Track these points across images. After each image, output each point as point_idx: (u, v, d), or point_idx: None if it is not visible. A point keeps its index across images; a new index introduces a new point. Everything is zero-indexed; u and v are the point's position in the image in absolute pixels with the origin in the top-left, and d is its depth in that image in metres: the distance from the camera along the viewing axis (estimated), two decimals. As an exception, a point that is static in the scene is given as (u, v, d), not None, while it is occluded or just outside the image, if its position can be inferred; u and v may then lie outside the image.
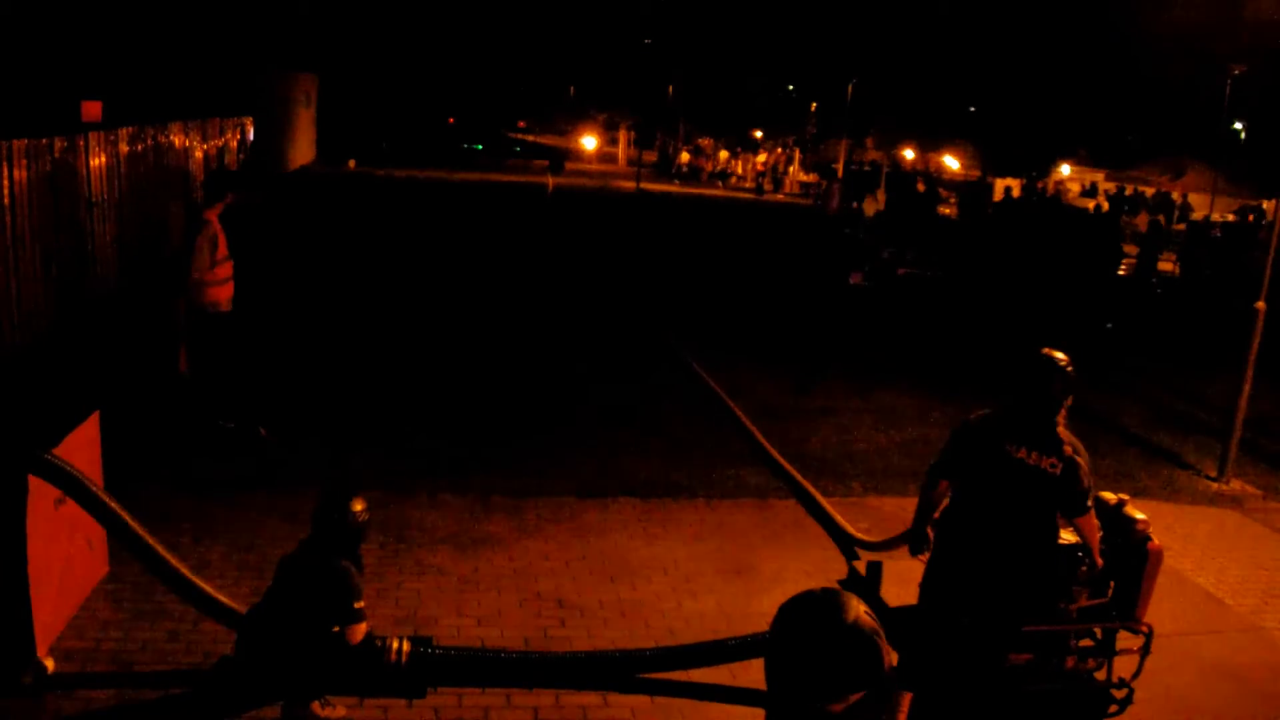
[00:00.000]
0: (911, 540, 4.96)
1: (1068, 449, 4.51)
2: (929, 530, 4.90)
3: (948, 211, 32.89)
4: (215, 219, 8.03)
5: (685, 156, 45.94)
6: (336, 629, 4.45)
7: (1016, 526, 4.57)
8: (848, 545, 7.15)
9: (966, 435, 4.68)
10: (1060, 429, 4.55)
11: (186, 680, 5.01)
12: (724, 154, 47.32)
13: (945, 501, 4.82)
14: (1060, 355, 4.54)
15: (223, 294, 8.11)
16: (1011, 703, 4.71)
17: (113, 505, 4.89)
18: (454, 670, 5.00)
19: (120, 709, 4.77)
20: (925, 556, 4.90)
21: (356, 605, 4.49)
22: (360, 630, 4.52)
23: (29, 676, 4.78)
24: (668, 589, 6.39)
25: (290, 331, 11.82)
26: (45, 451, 4.78)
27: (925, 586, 4.85)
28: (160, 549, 4.97)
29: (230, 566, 6.14)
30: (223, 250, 8.06)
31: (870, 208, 31.71)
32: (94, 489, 4.88)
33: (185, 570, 5.04)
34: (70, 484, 4.80)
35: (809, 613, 2.10)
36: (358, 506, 4.55)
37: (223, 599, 5.04)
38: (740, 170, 45.93)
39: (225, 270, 8.11)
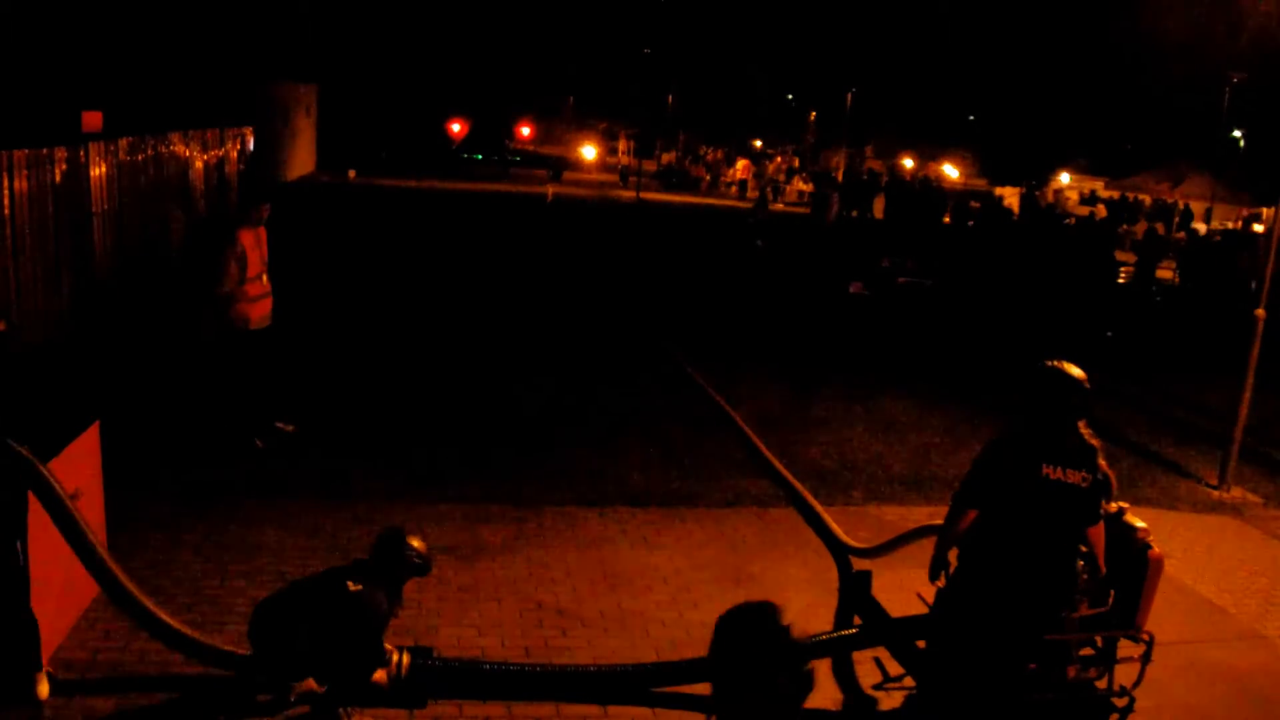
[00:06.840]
0: (933, 565, 4.99)
1: (1102, 461, 4.67)
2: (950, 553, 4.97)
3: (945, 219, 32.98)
4: (246, 235, 7.98)
5: (743, 163, 45.66)
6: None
7: (1052, 542, 4.67)
8: (840, 551, 7.16)
9: (997, 461, 4.68)
10: (1089, 439, 4.66)
11: (182, 689, 5.00)
12: (702, 168, 47.26)
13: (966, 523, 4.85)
14: (1075, 369, 4.60)
15: (254, 311, 8.06)
16: (1017, 712, 4.73)
17: (87, 533, 4.78)
18: (454, 681, 4.99)
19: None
20: (941, 582, 4.98)
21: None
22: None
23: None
24: (668, 599, 6.39)
25: (289, 340, 11.78)
26: (42, 462, 4.75)
27: (947, 602, 4.95)
28: (140, 594, 4.85)
29: (231, 576, 6.13)
30: (255, 268, 8.01)
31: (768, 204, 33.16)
32: (74, 515, 4.74)
33: (146, 599, 4.88)
34: (49, 501, 4.71)
35: None
36: (415, 543, 4.62)
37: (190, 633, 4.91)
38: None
39: (256, 288, 8.06)
